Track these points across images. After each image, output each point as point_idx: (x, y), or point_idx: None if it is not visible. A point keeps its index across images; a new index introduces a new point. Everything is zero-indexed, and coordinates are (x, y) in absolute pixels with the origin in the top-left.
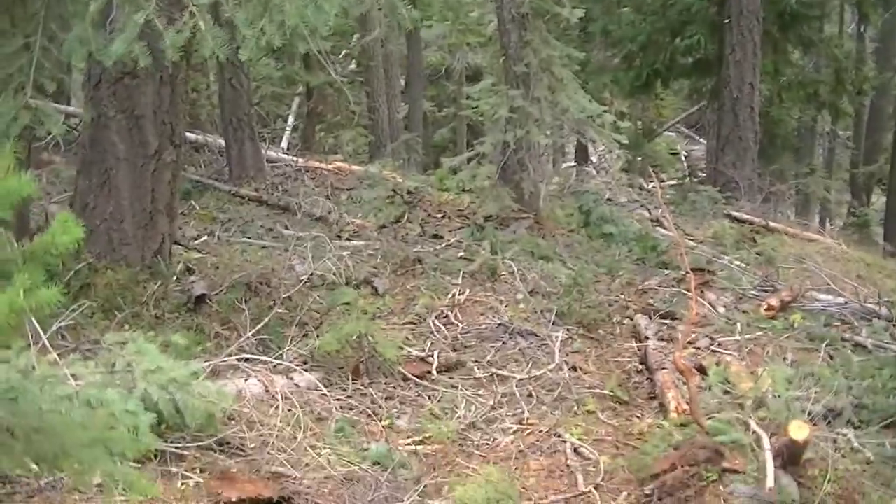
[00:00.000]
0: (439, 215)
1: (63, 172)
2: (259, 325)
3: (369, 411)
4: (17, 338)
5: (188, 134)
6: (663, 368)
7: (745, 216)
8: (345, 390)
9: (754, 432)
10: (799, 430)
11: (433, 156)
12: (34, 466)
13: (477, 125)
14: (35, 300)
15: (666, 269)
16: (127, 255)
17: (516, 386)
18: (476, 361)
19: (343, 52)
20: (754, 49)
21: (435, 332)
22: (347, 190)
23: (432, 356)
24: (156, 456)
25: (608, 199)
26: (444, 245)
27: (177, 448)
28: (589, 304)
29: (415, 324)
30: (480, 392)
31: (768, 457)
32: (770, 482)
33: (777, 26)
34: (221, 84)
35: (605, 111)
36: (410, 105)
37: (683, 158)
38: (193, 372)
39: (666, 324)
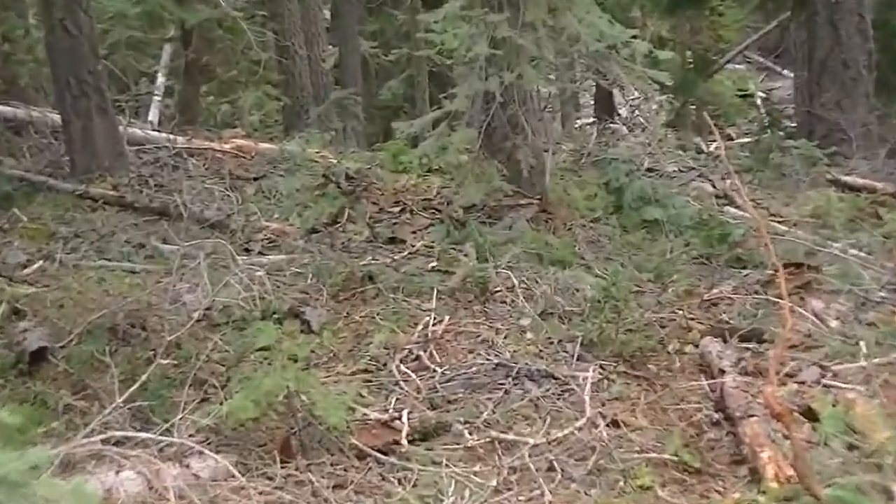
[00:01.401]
0: (396, 209)
1: None
2: (133, 388)
3: None
4: None
5: (1, 107)
6: (751, 416)
7: (861, 181)
8: (271, 478)
9: None
10: None
11: (381, 122)
12: None
13: (443, 72)
14: None
15: (743, 267)
16: None
17: (530, 455)
18: (466, 422)
19: None
20: None
21: (401, 383)
22: (255, 179)
23: (399, 418)
24: None
25: (649, 170)
26: (406, 253)
27: None
28: (631, 327)
29: (370, 371)
30: (476, 468)
31: None
32: None
33: None
34: (49, 28)
35: (635, 38)
36: (341, 47)
37: (760, 101)
38: (33, 466)
39: (749, 349)
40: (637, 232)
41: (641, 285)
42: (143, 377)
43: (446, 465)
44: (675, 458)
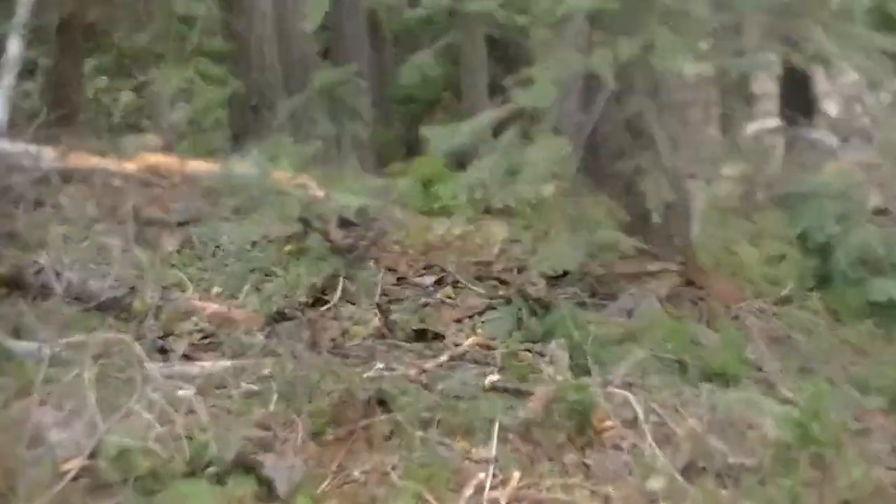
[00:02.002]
0: (428, 279)
1: None
2: None
3: None
4: None
5: None
6: None
7: None
8: None
9: None
10: None
11: (402, 124)
12: None
13: (511, 40)
14: None
15: None
16: None
17: None
18: None
19: None
20: None
21: None
22: (180, 225)
23: None
24: None
25: (878, 212)
26: (445, 357)
27: None
28: (847, 496)
29: None
30: None
31: None
32: None
33: None
34: None
35: None
36: None
37: None
38: None
39: None
40: (857, 323)
41: (865, 419)
42: None
43: None
44: None
